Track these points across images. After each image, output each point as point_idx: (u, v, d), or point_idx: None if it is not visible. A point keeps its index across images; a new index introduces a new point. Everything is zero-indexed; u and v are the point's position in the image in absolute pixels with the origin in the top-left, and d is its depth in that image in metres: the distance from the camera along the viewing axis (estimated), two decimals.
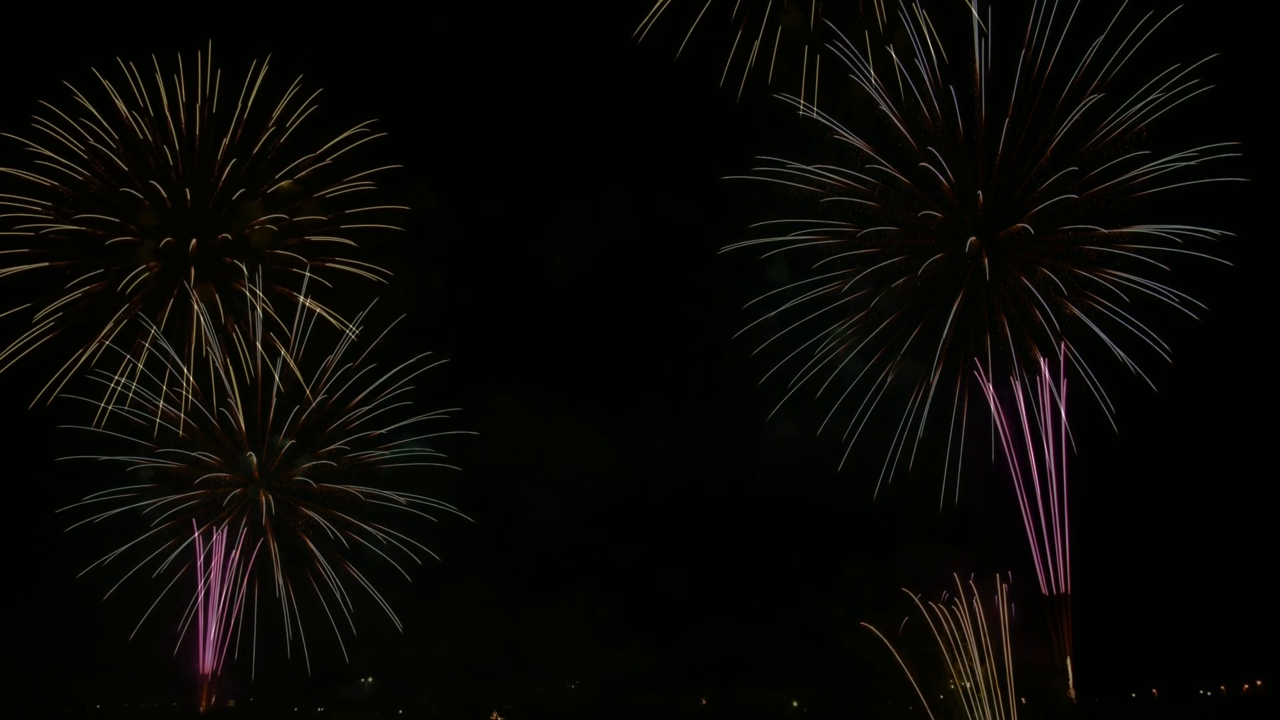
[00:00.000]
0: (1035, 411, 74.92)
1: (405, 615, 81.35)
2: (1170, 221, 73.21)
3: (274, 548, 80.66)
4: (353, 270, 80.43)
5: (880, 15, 77.56)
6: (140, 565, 79.95)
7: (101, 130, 79.39)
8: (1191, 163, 73.24)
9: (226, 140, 79.92)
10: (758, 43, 78.36)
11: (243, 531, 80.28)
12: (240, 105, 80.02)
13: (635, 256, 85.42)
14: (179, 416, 79.87)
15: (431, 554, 79.19)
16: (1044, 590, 74.74)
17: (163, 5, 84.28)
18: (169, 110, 79.88)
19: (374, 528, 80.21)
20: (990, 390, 75.40)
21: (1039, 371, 74.81)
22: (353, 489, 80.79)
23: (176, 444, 79.92)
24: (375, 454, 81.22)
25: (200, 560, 79.64)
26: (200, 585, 79.49)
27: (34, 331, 78.26)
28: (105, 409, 78.69)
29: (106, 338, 78.86)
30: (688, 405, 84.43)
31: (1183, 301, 72.41)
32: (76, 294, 78.98)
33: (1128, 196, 74.59)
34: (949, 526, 77.97)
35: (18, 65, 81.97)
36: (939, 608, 76.47)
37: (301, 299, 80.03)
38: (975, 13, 74.27)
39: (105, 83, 79.49)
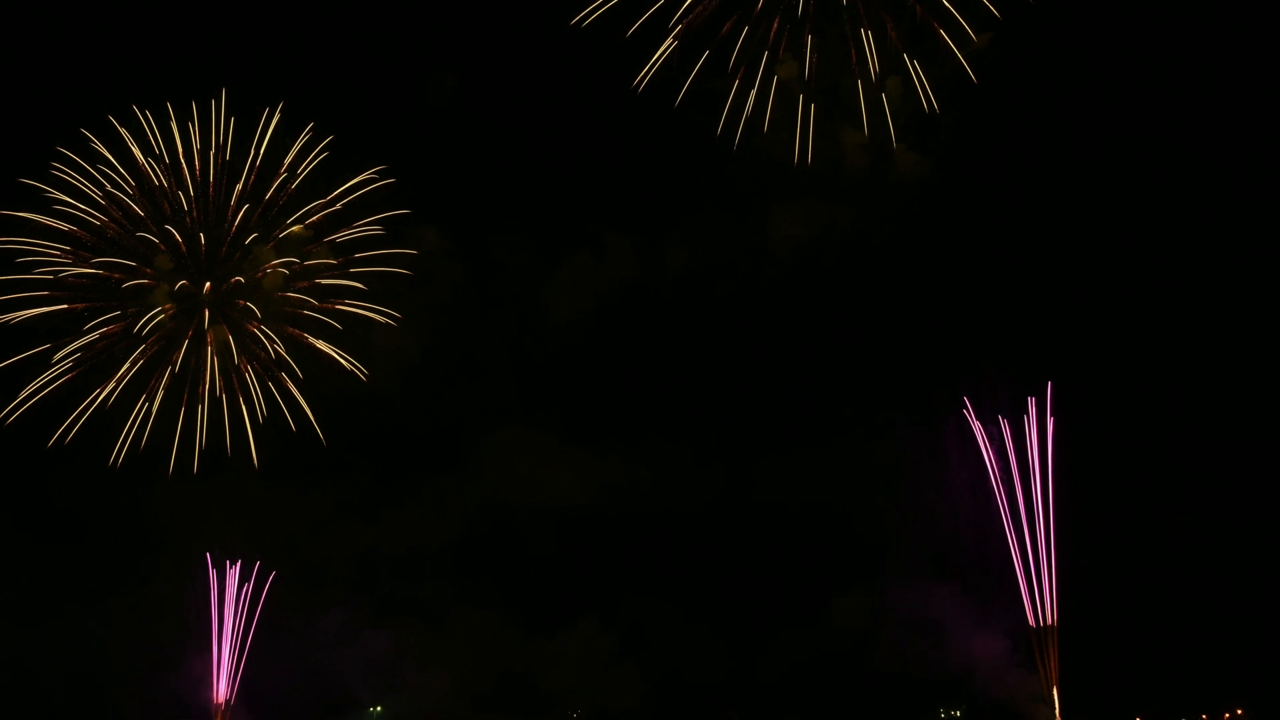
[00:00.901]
0: (1022, 446, 77.61)
1: (413, 645, 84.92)
2: None
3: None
4: (361, 312, 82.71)
5: (873, 65, 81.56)
6: (153, 596, 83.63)
7: (119, 177, 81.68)
8: None
9: (239, 186, 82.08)
10: (754, 92, 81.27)
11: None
12: (253, 152, 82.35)
13: (637, 299, 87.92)
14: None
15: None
16: (1031, 622, 76.84)
17: (178, 56, 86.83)
18: (184, 157, 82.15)
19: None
20: (978, 428, 78.26)
21: (1026, 410, 77.77)
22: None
23: None
24: None
25: (215, 592, 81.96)
26: (214, 616, 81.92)
27: (53, 371, 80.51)
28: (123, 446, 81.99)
29: (123, 378, 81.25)
30: (687, 441, 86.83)
31: None
32: (94, 335, 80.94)
33: None
34: (939, 560, 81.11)
35: (39, 114, 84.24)
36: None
37: (313, 340, 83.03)
38: None
39: (122, 131, 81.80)
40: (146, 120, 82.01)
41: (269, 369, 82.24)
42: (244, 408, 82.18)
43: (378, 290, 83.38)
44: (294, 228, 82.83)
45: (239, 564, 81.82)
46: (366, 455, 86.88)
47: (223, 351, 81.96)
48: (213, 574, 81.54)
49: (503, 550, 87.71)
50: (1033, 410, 76.91)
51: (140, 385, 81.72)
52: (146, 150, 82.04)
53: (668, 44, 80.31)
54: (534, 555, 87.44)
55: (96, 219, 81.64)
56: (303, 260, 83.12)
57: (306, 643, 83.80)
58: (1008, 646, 79.39)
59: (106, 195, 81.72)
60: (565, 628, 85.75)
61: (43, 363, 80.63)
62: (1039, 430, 76.83)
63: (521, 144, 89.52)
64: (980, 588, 79.52)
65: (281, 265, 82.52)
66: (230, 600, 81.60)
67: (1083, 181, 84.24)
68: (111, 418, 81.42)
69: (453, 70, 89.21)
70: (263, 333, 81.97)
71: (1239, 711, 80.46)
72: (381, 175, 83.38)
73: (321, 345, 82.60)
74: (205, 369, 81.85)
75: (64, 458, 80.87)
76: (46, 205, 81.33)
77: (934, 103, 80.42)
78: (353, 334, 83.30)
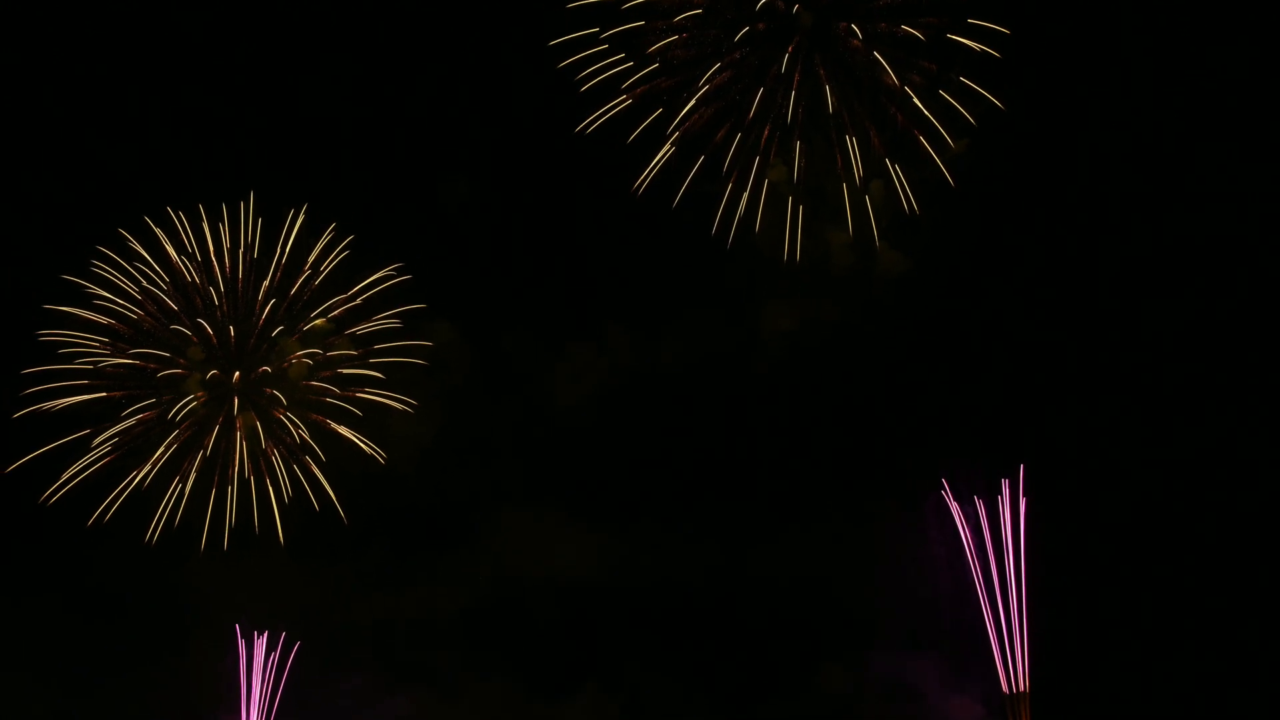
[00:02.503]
0: (997, 525, 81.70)
1: (428, 710, 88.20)
2: None
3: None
4: (380, 400, 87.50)
5: (857, 169, 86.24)
6: (186, 665, 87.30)
7: (154, 273, 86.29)
8: None
9: (266, 283, 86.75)
10: (746, 194, 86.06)
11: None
12: (279, 251, 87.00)
13: (636, 387, 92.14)
14: None
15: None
16: (1004, 688, 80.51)
17: (210, 162, 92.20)
18: (214, 256, 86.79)
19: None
20: (955, 508, 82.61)
21: (1000, 491, 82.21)
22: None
23: None
24: None
25: (244, 661, 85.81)
26: (243, 684, 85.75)
27: (93, 455, 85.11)
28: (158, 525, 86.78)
29: (159, 461, 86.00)
30: (683, 520, 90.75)
31: None
32: (131, 421, 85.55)
33: None
34: (918, 631, 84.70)
35: (81, 215, 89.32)
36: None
37: (335, 426, 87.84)
38: None
39: (158, 231, 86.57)
40: (180, 221, 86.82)
41: (294, 452, 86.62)
42: (271, 488, 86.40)
43: (395, 379, 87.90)
44: (317, 321, 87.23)
45: (266, 634, 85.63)
46: (384, 531, 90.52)
47: (251, 436, 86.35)
48: (241, 644, 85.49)
49: (511, 621, 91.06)
50: (1006, 492, 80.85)
51: (174, 468, 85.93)
52: (180, 249, 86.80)
53: (666, 150, 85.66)
54: (540, 626, 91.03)
55: (133, 313, 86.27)
56: (325, 351, 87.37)
57: (329, 707, 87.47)
58: (981, 713, 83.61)
59: (143, 291, 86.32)
60: (569, 695, 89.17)
61: (83, 447, 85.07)
62: (1012, 510, 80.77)
63: (529, 242, 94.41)
64: (956, 657, 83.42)
65: (305, 356, 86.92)
66: (258, 669, 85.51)
67: (1053, 276, 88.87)
68: (147, 498, 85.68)
69: (466, 174, 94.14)
70: (288, 419, 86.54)
71: None
72: (399, 272, 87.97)
73: (343, 430, 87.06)
74: (235, 453, 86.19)
75: (103, 536, 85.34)
76: (87, 300, 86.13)
77: (914, 204, 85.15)
78: (372, 420, 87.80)
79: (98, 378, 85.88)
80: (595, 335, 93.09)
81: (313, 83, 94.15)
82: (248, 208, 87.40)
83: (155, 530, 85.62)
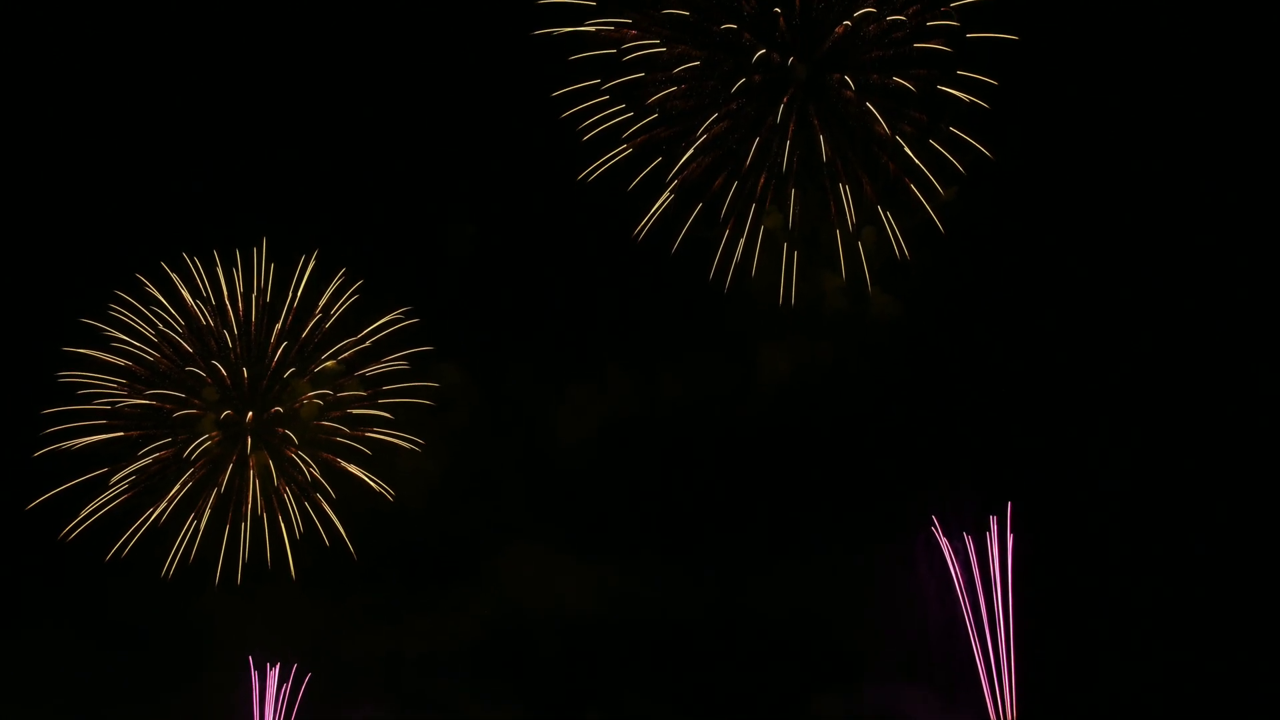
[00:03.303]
0: (985, 560, 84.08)
1: None
2: None
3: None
4: (388, 439, 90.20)
5: (850, 216, 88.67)
6: (201, 697, 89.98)
7: (170, 317, 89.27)
8: None
9: (279, 326, 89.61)
10: (742, 240, 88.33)
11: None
12: (290, 295, 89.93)
13: (635, 426, 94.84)
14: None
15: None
16: (993, 716, 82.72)
17: (223, 207, 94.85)
18: (228, 300, 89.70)
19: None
20: (945, 544, 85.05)
21: (989, 528, 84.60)
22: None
23: None
24: None
25: (256, 692, 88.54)
26: (256, 714, 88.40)
27: (111, 493, 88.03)
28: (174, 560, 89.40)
29: (174, 498, 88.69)
30: (682, 554, 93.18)
31: None
32: (148, 460, 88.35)
33: None
34: (909, 661, 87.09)
35: (99, 262, 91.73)
36: None
37: (345, 464, 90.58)
38: None
39: (174, 276, 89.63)
40: (195, 266, 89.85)
41: (305, 490, 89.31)
42: (283, 525, 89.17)
43: (403, 419, 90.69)
44: (328, 363, 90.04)
45: (278, 666, 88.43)
46: (392, 566, 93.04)
47: (264, 475, 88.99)
48: (254, 676, 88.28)
49: (514, 652, 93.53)
50: (994, 528, 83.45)
51: (189, 505, 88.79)
52: (195, 293, 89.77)
53: (665, 197, 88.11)
54: (542, 657, 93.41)
55: (150, 355, 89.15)
56: (335, 392, 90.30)
57: None
58: None
59: (159, 334, 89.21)
60: None
61: (101, 485, 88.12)
62: (1000, 545, 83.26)
63: (532, 286, 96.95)
64: (946, 687, 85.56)
65: (316, 397, 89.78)
66: (270, 699, 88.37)
67: (1040, 318, 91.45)
68: (163, 534, 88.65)
69: (471, 221, 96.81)
70: (300, 458, 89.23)
71: None
72: (407, 315, 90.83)
73: (352, 469, 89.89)
74: (248, 490, 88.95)
75: (120, 571, 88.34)
76: (105, 343, 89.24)
77: (905, 249, 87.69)
78: (380, 458, 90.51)
79: (115, 418, 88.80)
80: (596, 376, 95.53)
81: (324, 132, 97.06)
82: (260, 253, 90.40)
83: (171, 565, 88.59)
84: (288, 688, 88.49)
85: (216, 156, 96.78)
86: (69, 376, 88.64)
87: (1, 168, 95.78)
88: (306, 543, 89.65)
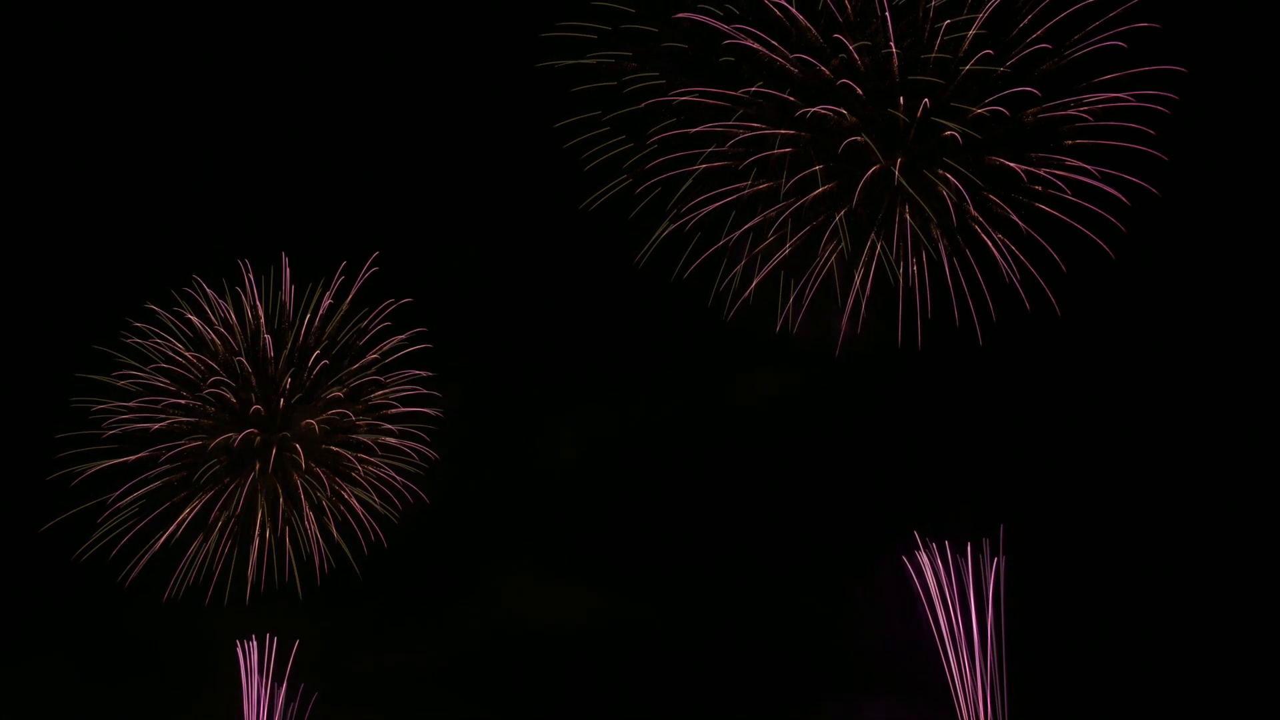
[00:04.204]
0: (978, 580, 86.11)
1: None
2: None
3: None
4: (390, 462, 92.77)
5: (846, 247, 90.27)
6: (209, 712, 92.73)
7: (180, 343, 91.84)
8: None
9: (285, 353, 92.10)
10: (739, 268, 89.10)
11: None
12: (298, 321, 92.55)
13: (627, 447, 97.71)
14: None
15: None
16: None
17: (232, 235, 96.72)
18: (237, 326, 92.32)
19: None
20: (940, 565, 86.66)
21: (981, 550, 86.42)
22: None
23: None
24: None
25: (244, 669, 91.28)
26: (245, 692, 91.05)
27: (122, 514, 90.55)
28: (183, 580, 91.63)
29: (184, 521, 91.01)
30: (671, 570, 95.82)
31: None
32: (157, 484, 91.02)
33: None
34: (898, 676, 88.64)
35: (111, 288, 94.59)
36: None
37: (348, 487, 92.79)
38: None
39: (183, 303, 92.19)
40: (205, 293, 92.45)
41: (312, 512, 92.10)
42: (289, 547, 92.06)
43: (403, 440, 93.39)
44: (333, 390, 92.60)
45: (285, 684, 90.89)
46: (393, 584, 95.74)
47: (270, 498, 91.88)
48: (262, 692, 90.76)
49: (508, 666, 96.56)
50: (986, 549, 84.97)
51: (198, 526, 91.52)
52: (204, 320, 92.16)
53: (664, 226, 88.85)
54: (535, 674, 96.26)
55: (160, 382, 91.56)
56: (341, 420, 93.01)
57: None
58: None
59: (168, 360, 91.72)
60: None
61: (113, 507, 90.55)
62: (994, 567, 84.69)
63: (532, 311, 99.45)
64: (934, 703, 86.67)
65: (322, 422, 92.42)
66: (279, 715, 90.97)
67: (1030, 343, 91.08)
68: (173, 556, 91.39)
69: (474, 245, 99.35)
70: (305, 481, 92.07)
71: None
72: (415, 340, 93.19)
73: (355, 491, 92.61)
74: (255, 513, 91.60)
75: (131, 592, 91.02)
76: (117, 368, 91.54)
77: (898, 279, 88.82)
78: (382, 480, 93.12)
79: (126, 442, 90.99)
80: (591, 401, 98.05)
81: (330, 163, 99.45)
82: (268, 281, 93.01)
83: (180, 587, 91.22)
84: (294, 708, 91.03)
85: (227, 187, 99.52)
86: (81, 401, 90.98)
87: (15, 192, 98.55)
88: (310, 564, 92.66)
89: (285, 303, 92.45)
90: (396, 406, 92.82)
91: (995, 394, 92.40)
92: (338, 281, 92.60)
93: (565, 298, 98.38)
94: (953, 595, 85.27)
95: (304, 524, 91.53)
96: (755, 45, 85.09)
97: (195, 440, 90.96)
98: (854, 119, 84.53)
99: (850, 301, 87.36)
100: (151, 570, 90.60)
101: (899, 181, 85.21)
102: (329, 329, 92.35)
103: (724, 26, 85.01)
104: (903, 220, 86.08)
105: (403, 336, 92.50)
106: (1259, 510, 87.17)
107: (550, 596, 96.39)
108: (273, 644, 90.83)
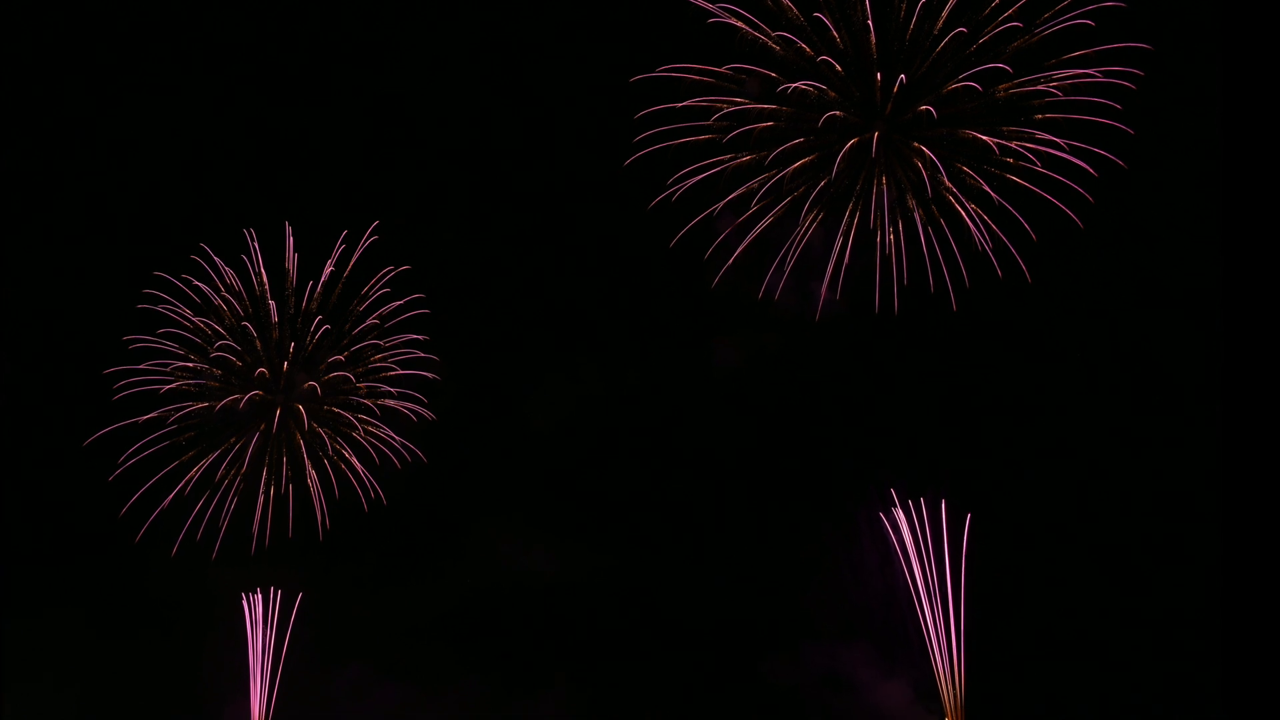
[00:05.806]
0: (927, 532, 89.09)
1: (417, 702, 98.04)
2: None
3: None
4: (385, 425, 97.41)
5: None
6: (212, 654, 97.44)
7: (204, 309, 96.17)
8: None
9: (289, 318, 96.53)
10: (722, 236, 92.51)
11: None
12: (308, 294, 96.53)
13: (605, 413, 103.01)
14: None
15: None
16: (939, 677, 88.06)
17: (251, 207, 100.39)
18: (257, 290, 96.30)
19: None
20: (900, 518, 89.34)
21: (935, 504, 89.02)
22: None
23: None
24: None
25: (249, 620, 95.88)
26: (250, 641, 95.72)
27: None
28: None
29: (191, 479, 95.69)
30: (646, 528, 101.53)
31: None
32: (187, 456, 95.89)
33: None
34: (857, 625, 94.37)
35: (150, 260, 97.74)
36: None
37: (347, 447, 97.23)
38: None
39: (209, 271, 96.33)
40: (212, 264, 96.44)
41: (316, 470, 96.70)
42: (292, 504, 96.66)
43: (402, 402, 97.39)
44: (335, 355, 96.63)
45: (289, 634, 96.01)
46: (383, 539, 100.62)
47: (275, 458, 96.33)
48: (258, 630, 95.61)
49: (491, 620, 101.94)
50: (945, 507, 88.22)
51: (205, 484, 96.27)
52: (213, 287, 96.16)
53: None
54: (518, 624, 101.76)
55: (176, 348, 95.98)
56: (342, 382, 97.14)
57: (326, 697, 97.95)
58: (911, 696, 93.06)
59: (191, 325, 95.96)
60: (545, 688, 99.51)
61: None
62: (949, 522, 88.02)
63: (517, 282, 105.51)
64: (890, 648, 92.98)
65: (325, 385, 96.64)
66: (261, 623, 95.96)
67: (1002, 308, 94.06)
68: (181, 512, 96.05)
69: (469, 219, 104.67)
70: (308, 441, 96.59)
71: None
72: (416, 305, 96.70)
73: (357, 445, 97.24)
74: (260, 472, 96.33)
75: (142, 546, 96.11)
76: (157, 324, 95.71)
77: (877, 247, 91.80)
78: (380, 441, 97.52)
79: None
80: (583, 361, 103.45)
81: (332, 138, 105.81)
82: (284, 247, 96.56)
83: (187, 542, 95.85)
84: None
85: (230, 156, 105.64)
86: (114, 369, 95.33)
87: (31, 168, 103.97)
88: (309, 518, 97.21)
89: (289, 270, 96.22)
90: (395, 370, 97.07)
91: (969, 356, 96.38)
92: (339, 250, 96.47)
93: (557, 268, 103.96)
94: (927, 549, 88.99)
95: (307, 482, 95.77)
96: (739, 24, 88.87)
97: (203, 402, 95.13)
98: (834, 94, 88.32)
99: (830, 268, 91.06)
100: (160, 527, 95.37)
101: (876, 154, 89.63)
102: (331, 297, 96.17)
103: (709, 5, 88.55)
104: (880, 191, 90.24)
105: (400, 301, 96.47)
106: (1217, 469, 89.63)
107: (541, 550, 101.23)
108: (276, 596, 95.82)
